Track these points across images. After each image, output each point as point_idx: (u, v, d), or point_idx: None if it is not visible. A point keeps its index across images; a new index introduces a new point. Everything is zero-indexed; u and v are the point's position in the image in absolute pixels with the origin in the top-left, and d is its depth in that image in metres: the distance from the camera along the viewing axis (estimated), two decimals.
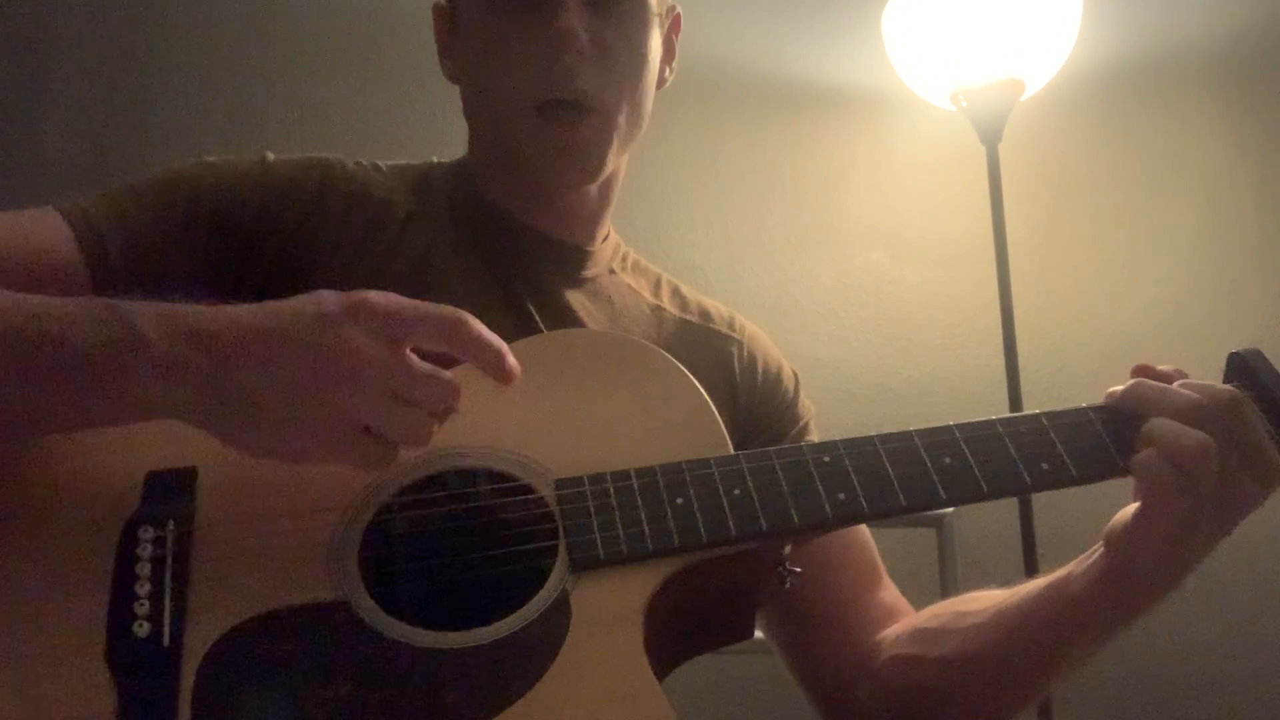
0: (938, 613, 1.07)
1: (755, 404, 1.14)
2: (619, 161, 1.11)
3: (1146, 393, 0.90)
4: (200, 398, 0.80)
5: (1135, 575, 0.90)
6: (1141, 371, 0.93)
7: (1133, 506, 0.90)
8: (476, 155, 1.14)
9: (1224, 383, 0.94)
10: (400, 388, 0.80)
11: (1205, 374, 0.94)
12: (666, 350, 1.00)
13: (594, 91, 1.03)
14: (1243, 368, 0.94)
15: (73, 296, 0.93)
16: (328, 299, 0.81)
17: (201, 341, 0.79)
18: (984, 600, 1.03)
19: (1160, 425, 0.87)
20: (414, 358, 0.81)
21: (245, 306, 0.82)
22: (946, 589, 1.82)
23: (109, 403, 0.81)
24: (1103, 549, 0.92)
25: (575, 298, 1.10)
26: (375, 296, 0.81)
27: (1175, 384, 0.90)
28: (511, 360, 0.86)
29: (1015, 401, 2.04)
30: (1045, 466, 0.89)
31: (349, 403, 0.79)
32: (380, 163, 1.12)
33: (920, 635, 1.06)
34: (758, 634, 1.01)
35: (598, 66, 1.03)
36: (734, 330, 1.18)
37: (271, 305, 0.82)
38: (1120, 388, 0.92)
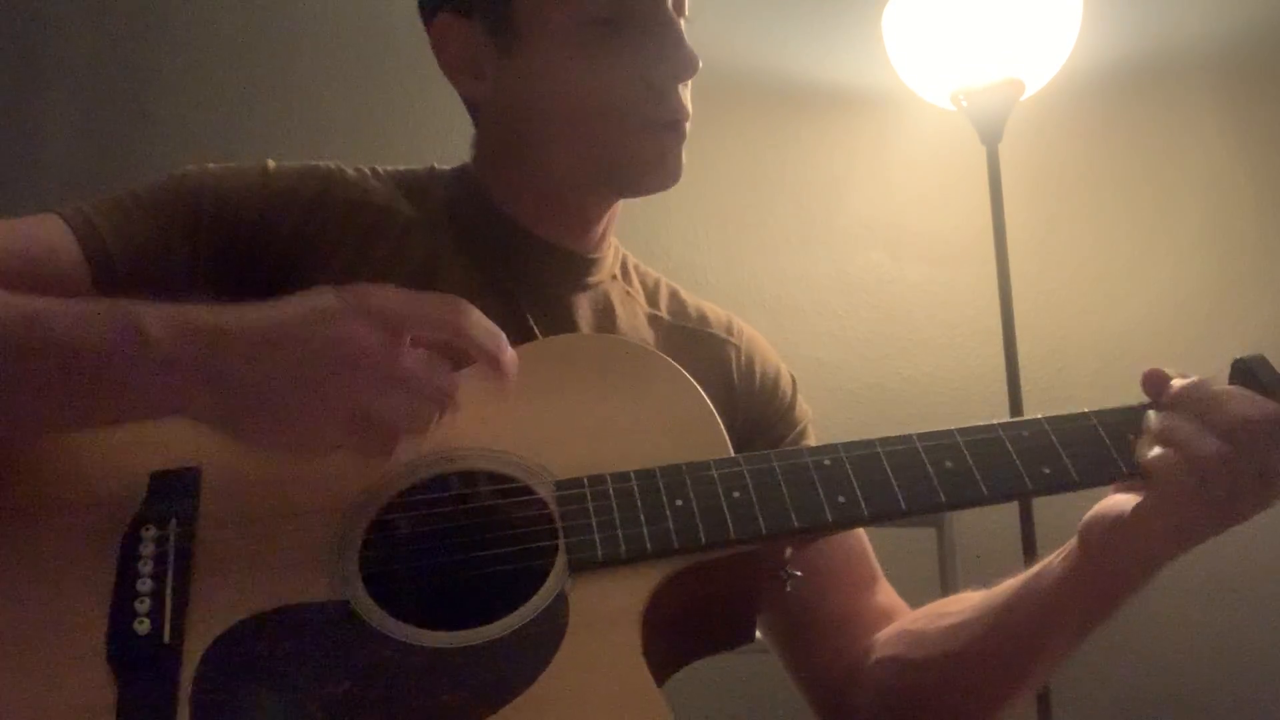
0: (924, 614, 1.08)
1: (753, 408, 1.14)
2: None
3: (1195, 399, 0.88)
4: (203, 393, 0.82)
5: (1113, 570, 0.91)
6: (1153, 376, 0.92)
7: (1111, 501, 0.90)
8: (490, 165, 1.12)
9: None
10: (398, 373, 0.82)
11: (1206, 376, 0.93)
12: None
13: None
14: (1246, 374, 0.93)
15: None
16: (327, 294, 0.84)
17: (204, 338, 0.81)
18: (966, 600, 1.04)
19: (1180, 427, 0.86)
20: (410, 348, 0.83)
21: (249, 305, 0.84)
22: (946, 589, 1.82)
23: (113, 401, 0.83)
24: (1076, 544, 0.92)
25: (577, 305, 1.10)
26: (374, 289, 0.84)
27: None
28: (510, 351, 0.88)
29: (1015, 401, 2.04)
30: (1046, 470, 0.89)
31: (347, 390, 0.81)
32: (378, 168, 1.11)
33: (906, 637, 1.06)
34: (758, 634, 1.01)
35: None
36: (732, 335, 1.18)
37: (274, 302, 0.84)
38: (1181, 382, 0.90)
